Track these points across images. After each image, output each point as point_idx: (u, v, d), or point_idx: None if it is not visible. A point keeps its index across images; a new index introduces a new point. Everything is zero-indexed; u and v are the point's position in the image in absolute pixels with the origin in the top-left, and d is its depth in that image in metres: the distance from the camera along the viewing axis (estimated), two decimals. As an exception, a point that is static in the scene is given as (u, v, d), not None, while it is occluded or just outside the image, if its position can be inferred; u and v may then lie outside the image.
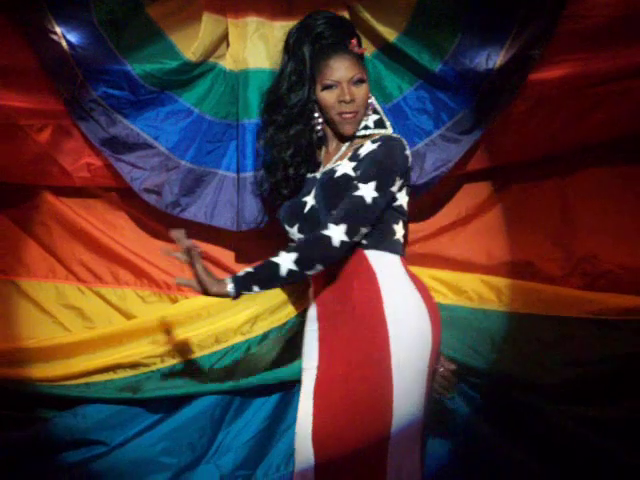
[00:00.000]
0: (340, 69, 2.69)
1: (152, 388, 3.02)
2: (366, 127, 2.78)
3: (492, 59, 2.90)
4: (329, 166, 2.74)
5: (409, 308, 2.57)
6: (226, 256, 3.22)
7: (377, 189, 2.55)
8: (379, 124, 2.80)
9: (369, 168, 2.59)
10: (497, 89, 2.92)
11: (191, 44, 2.99)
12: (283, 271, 2.47)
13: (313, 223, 2.65)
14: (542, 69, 2.89)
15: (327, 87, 2.71)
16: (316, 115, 2.76)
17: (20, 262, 3.17)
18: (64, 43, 2.89)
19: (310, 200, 2.70)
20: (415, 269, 3.08)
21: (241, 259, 3.23)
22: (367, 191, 2.55)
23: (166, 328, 3.09)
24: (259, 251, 3.11)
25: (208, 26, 3.01)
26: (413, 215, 3.13)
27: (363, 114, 2.74)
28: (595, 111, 2.96)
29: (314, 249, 2.51)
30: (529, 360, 2.96)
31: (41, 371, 3.04)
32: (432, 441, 3.04)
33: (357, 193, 2.54)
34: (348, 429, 2.49)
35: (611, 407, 2.92)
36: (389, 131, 2.79)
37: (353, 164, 2.65)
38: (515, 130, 3.01)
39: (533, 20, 2.84)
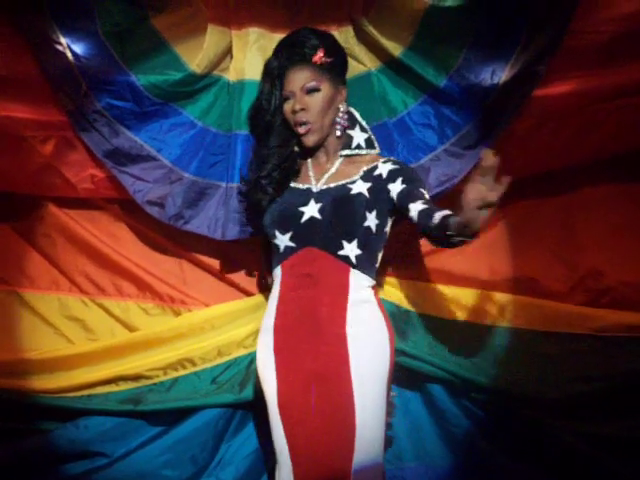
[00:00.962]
0: (294, 80, 2.71)
1: (154, 400, 3.01)
2: (359, 146, 2.80)
3: (497, 75, 2.90)
4: (327, 181, 2.74)
5: (371, 332, 2.62)
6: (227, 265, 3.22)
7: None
8: (369, 144, 2.83)
9: (416, 180, 2.67)
10: (502, 105, 2.92)
11: (196, 56, 3.00)
12: None
13: (310, 233, 2.66)
14: (547, 85, 2.89)
15: (285, 99, 2.74)
16: (289, 129, 2.77)
17: (23, 273, 3.17)
18: (69, 54, 2.89)
19: (310, 211, 2.69)
20: (418, 284, 3.12)
21: (238, 267, 3.22)
22: (427, 194, 2.64)
23: (169, 341, 3.09)
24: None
25: (213, 38, 3.02)
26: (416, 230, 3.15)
27: (324, 125, 2.74)
28: (600, 127, 2.96)
29: None
30: (531, 376, 2.96)
31: (43, 382, 3.03)
32: (434, 455, 3.06)
33: (427, 196, 2.62)
34: (318, 444, 2.51)
35: (612, 423, 2.92)
36: (377, 151, 2.82)
37: (369, 184, 2.68)
38: (519, 146, 3.00)
39: (538, 36, 2.84)
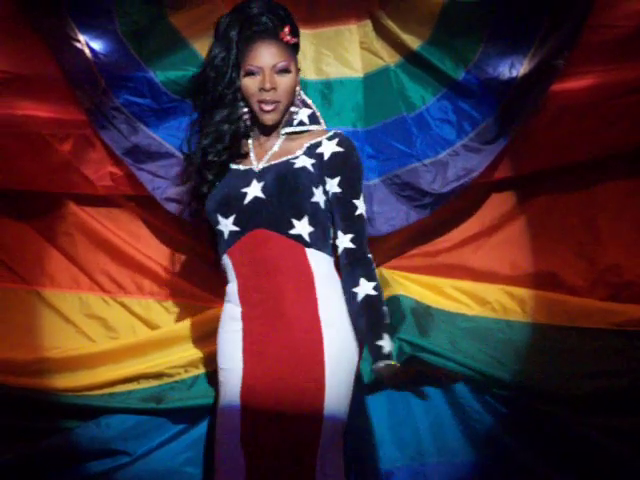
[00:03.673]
0: (264, 55, 2.57)
1: (176, 398, 3.00)
2: (302, 123, 2.66)
3: (515, 68, 2.91)
4: (268, 159, 2.62)
5: (343, 311, 2.54)
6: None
7: (363, 199, 2.57)
8: (314, 119, 2.68)
9: (354, 182, 2.56)
10: (520, 99, 2.92)
11: (214, 52, 3.00)
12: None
13: (255, 215, 2.54)
14: (566, 79, 2.90)
15: (249, 73, 2.59)
16: (241, 104, 2.64)
17: (44, 272, 3.17)
18: (87, 51, 2.90)
19: (253, 192, 2.55)
20: (439, 280, 3.12)
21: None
22: (361, 205, 2.55)
23: (190, 338, 3.09)
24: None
25: (230, 34, 3.01)
26: (436, 225, 3.14)
27: (287, 106, 2.63)
28: (618, 122, 2.97)
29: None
30: (553, 371, 2.95)
31: (65, 381, 3.03)
32: (456, 451, 3.05)
33: (358, 212, 2.55)
34: (279, 429, 2.44)
35: (635, 418, 2.91)
36: (323, 127, 2.68)
37: (312, 161, 2.57)
38: (538, 140, 3.00)
39: (557, 30, 2.85)
